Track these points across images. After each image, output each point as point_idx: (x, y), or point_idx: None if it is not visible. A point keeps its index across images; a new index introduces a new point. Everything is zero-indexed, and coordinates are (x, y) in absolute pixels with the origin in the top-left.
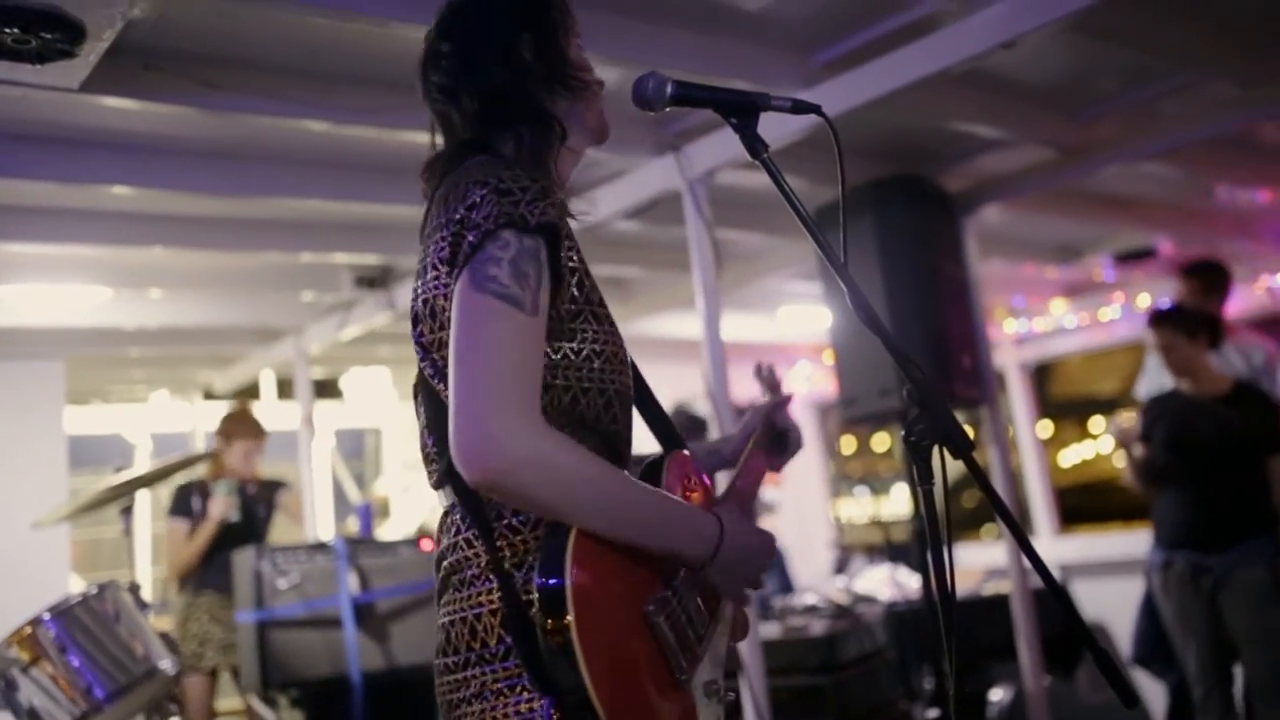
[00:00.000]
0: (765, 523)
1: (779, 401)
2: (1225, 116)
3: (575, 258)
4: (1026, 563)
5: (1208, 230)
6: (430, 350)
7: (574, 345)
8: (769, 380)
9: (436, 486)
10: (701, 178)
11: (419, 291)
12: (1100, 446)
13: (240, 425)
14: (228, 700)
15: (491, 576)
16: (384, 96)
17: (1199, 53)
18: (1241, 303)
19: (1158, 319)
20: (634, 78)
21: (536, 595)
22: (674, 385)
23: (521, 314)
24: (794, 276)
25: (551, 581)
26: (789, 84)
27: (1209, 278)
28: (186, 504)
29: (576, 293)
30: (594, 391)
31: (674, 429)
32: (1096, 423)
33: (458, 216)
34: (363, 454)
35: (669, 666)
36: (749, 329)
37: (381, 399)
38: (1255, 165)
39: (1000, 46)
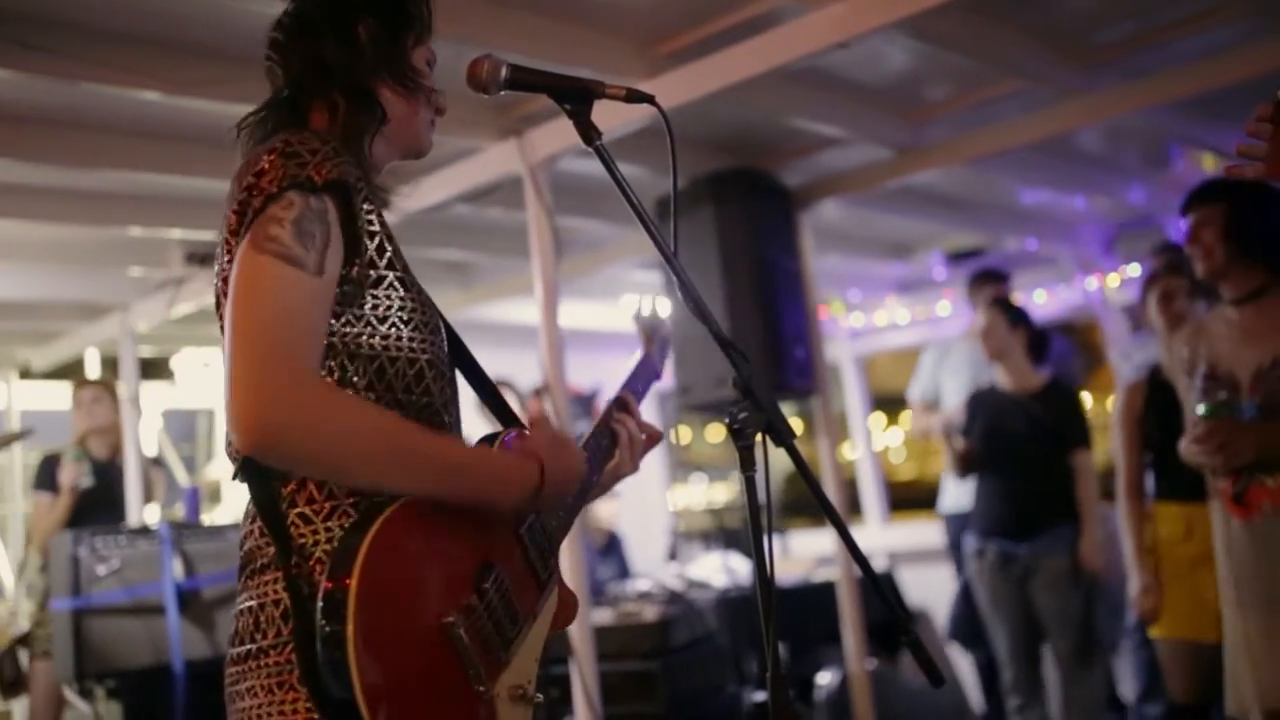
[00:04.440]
0: (607, 507)
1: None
2: (1049, 123)
3: (376, 221)
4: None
5: (1031, 232)
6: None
7: (377, 311)
8: (649, 323)
9: (234, 477)
10: (543, 163)
11: (218, 270)
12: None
13: (79, 385)
14: None
15: (278, 566)
16: (219, 69)
17: (1026, 60)
18: (1060, 302)
19: (991, 300)
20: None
21: (320, 595)
22: (514, 372)
23: (303, 274)
24: (636, 265)
25: (335, 584)
26: (633, 74)
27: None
28: (49, 476)
29: (378, 257)
30: (402, 360)
31: (507, 406)
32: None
33: (246, 184)
34: (194, 437)
35: (467, 678)
36: (590, 317)
37: (214, 380)
38: (1076, 171)
39: (836, 46)
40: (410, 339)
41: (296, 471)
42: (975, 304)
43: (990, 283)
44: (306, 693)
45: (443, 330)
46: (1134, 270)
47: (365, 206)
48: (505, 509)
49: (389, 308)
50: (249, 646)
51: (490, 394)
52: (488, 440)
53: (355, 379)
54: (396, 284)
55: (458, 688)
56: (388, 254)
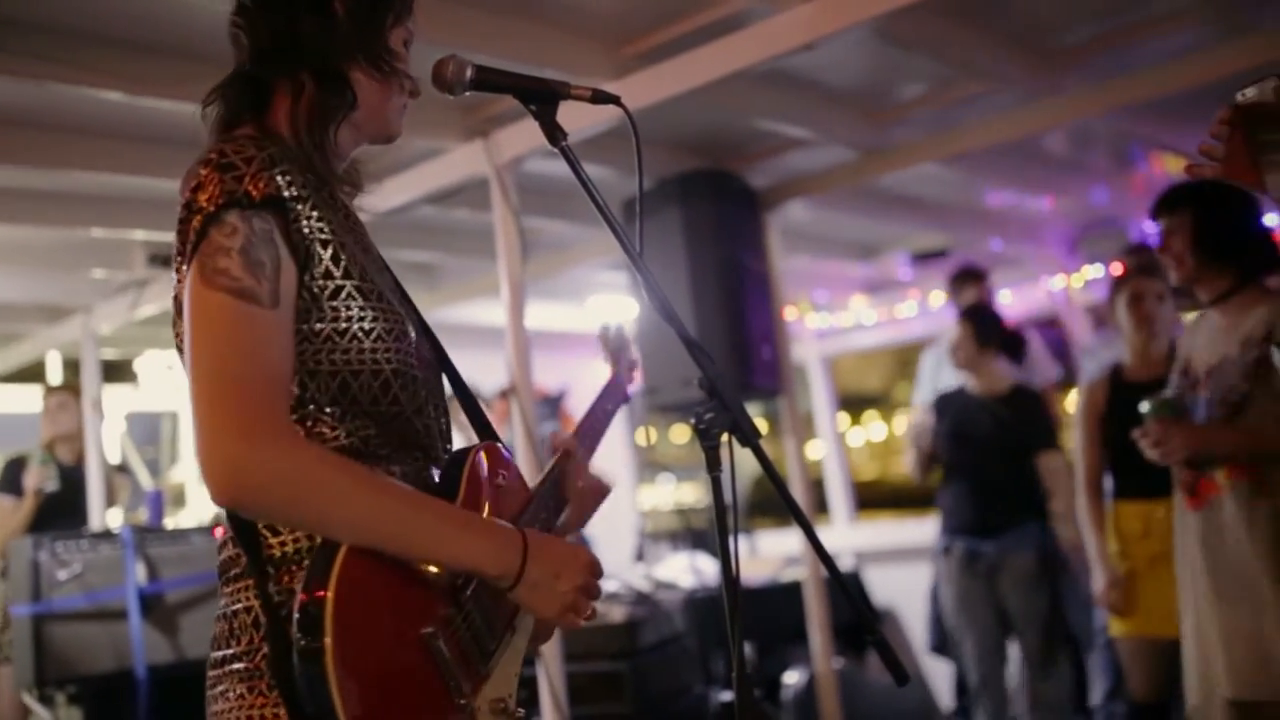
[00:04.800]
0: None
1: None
2: (1013, 125)
3: (327, 229)
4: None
5: (996, 233)
6: (183, 351)
7: (336, 325)
8: (615, 341)
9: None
10: (509, 164)
11: (173, 288)
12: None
13: (47, 391)
14: None
15: (250, 575)
16: (183, 68)
17: (991, 63)
18: (1024, 304)
19: (962, 314)
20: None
21: (296, 608)
22: (480, 373)
23: (258, 309)
24: (603, 266)
25: (312, 597)
26: (599, 75)
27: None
28: (13, 479)
29: (333, 267)
30: (366, 373)
31: (485, 418)
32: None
33: (185, 201)
34: (158, 440)
35: (448, 690)
36: (557, 318)
37: (178, 382)
38: (1041, 172)
39: (802, 48)
40: (373, 349)
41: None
42: (956, 302)
43: (970, 282)
44: (275, 697)
45: (411, 335)
46: (1097, 271)
47: (314, 215)
48: (486, 579)
49: (349, 318)
50: (224, 652)
51: (467, 400)
52: (459, 458)
53: (317, 396)
54: (355, 293)
55: (438, 700)
56: (343, 262)
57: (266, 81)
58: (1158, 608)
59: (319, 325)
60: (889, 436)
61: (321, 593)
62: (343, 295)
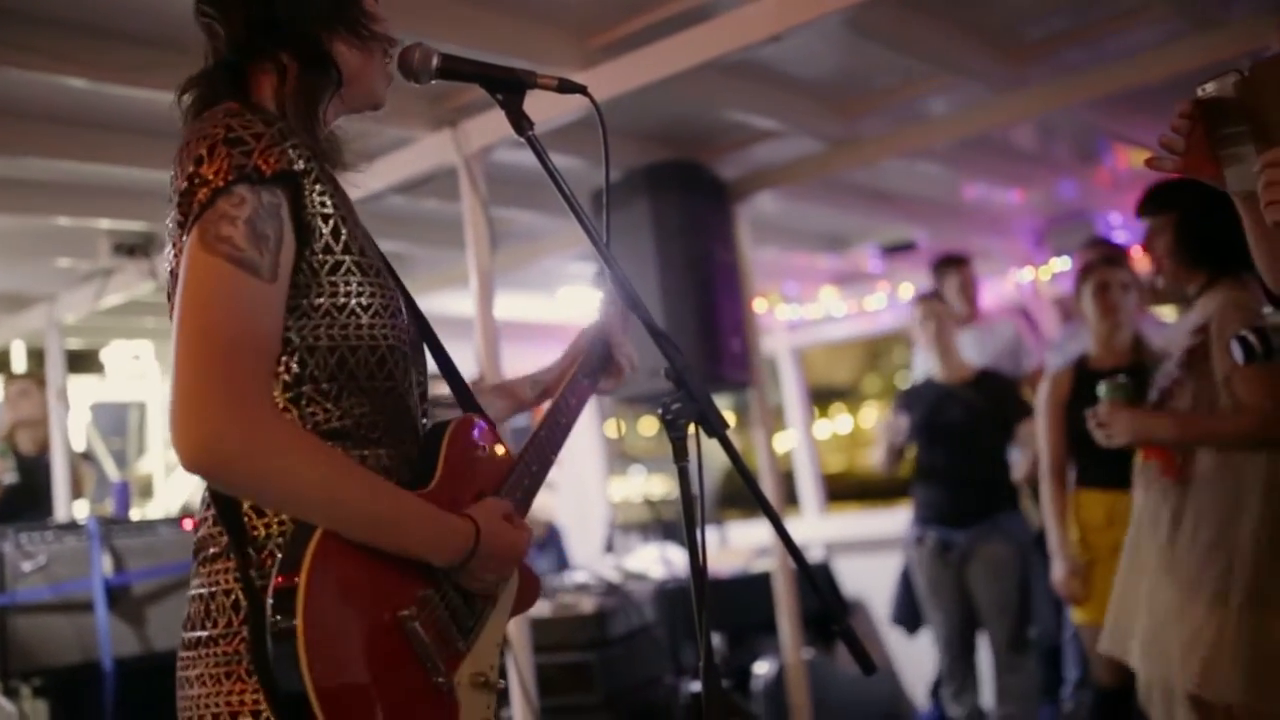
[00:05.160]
0: (545, 499)
1: (613, 317)
2: (981, 118)
3: (330, 203)
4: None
5: (964, 226)
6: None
7: (335, 300)
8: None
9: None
10: (478, 154)
11: (169, 263)
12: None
13: (8, 379)
14: None
15: (231, 556)
16: (148, 55)
17: (958, 56)
18: (992, 296)
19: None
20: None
21: (270, 592)
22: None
23: (257, 280)
24: (574, 257)
25: (286, 580)
26: (567, 65)
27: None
28: None
29: (333, 242)
30: (363, 349)
31: (467, 388)
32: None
33: (188, 174)
34: (125, 430)
35: (425, 671)
36: (527, 309)
37: (145, 372)
38: (1009, 166)
39: (770, 40)
40: (370, 325)
41: (232, 495)
42: (942, 289)
43: (954, 267)
44: (254, 683)
45: (403, 312)
46: (1064, 264)
47: (318, 189)
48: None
49: (347, 294)
50: (200, 634)
51: (452, 375)
52: (437, 432)
53: (315, 373)
54: (354, 268)
55: (414, 679)
56: (343, 237)
57: (244, 67)
58: None
59: (318, 300)
60: (855, 429)
61: (295, 576)
62: (342, 270)
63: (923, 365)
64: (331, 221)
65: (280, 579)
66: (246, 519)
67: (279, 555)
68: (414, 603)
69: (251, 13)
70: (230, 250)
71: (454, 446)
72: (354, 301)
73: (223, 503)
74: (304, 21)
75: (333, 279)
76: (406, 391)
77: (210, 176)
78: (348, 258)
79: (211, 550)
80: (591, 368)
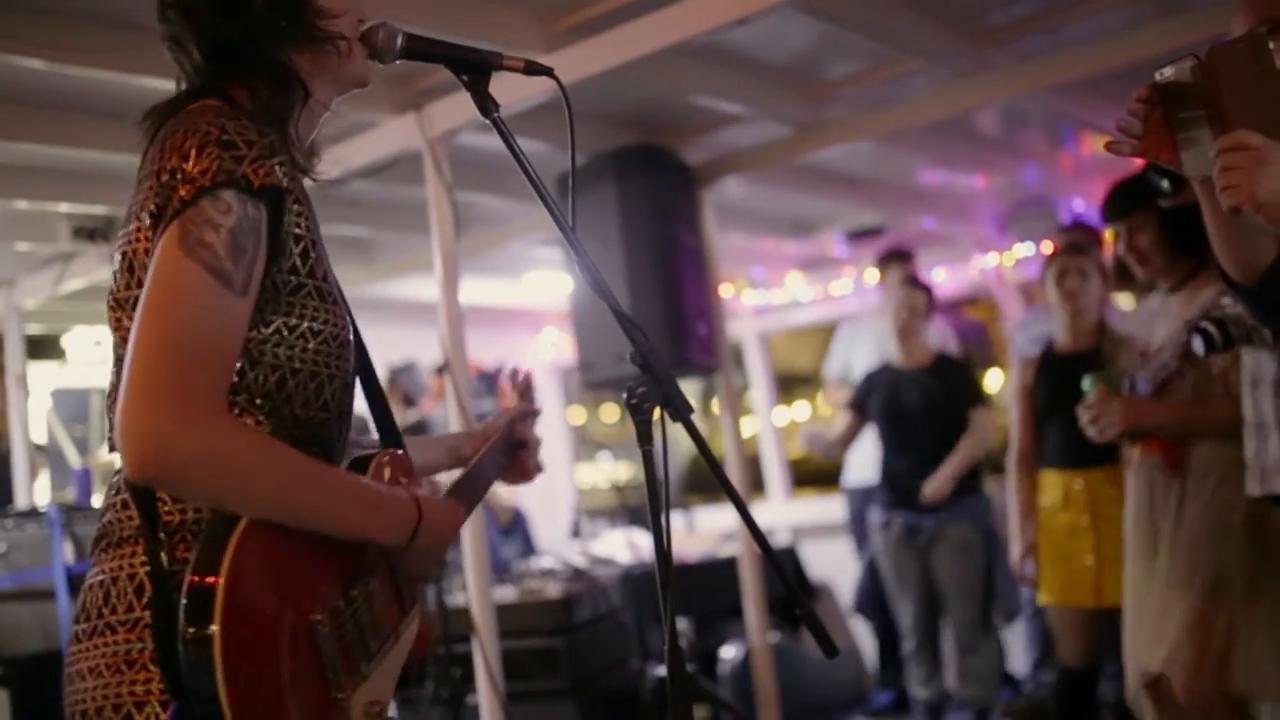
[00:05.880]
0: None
1: (525, 412)
2: (946, 104)
3: (303, 224)
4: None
5: (929, 211)
6: (123, 307)
7: (289, 321)
8: (523, 387)
9: (111, 449)
10: (442, 138)
11: (120, 243)
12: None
13: None
14: None
15: (139, 540)
16: (108, 36)
17: (923, 40)
18: (956, 282)
19: (914, 281)
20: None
21: (185, 592)
22: (416, 350)
23: (230, 293)
24: (540, 242)
25: (203, 581)
26: (532, 48)
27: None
28: None
29: (300, 263)
30: (304, 374)
31: (394, 425)
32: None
33: (171, 166)
34: (87, 417)
35: (326, 684)
36: (493, 294)
37: (107, 358)
38: (973, 151)
39: (735, 23)
40: (316, 353)
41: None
42: (883, 282)
43: (897, 261)
44: (159, 674)
45: (352, 343)
46: (1027, 249)
47: (295, 209)
48: (385, 547)
49: (301, 316)
50: (94, 623)
51: (379, 405)
52: (359, 464)
53: (252, 386)
54: (314, 293)
55: (317, 691)
56: (310, 261)
57: (216, 89)
58: (1073, 578)
59: (272, 317)
60: (814, 415)
61: (213, 577)
62: (302, 293)
63: (841, 346)
64: (302, 244)
65: (196, 579)
66: (161, 503)
67: (195, 549)
68: (327, 612)
69: (205, 45)
70: (210, 258)
71: (376, 479)
72: (306, 325)
73: (138, 486)
74: (256, 42)
75: (291, 300)
76: (337, 420)
77: (196, 174)
78: (310, 282)
79: (120, 534)
80: (504, 452)
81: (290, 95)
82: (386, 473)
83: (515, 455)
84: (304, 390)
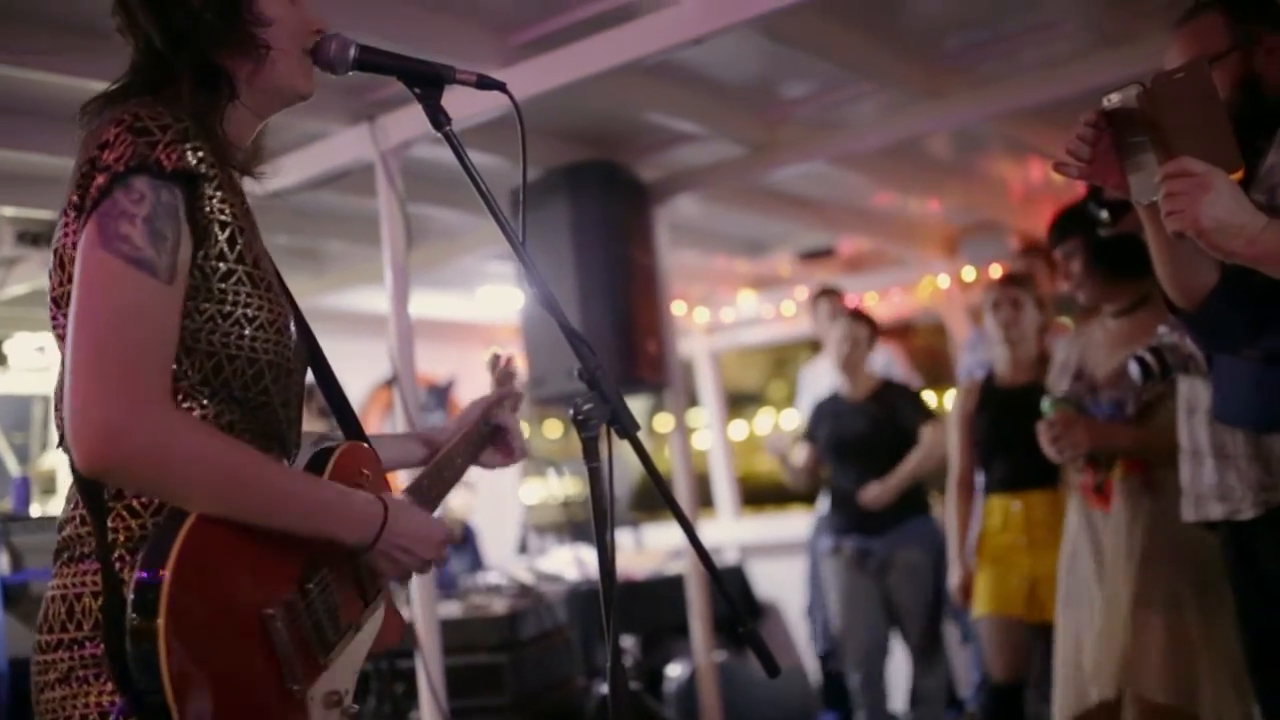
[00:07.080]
0: (461, 500)
1: (505, 395)
2: (898, 127)
3: (229, 211)
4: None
5: (879, 233)
6: (59, 305)
7: (222, 308)
8: (503, 374)
9: (60, 442)
10: (395, 150)
11: (55, 246)
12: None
13: None
14: None
15: (97, 558)
16: (56, 39)
17: (876, 64)
18: (907, 304)
19: (856, 313)
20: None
21: (132, 588)
22: (365, 363)
23: (155, 281)
24: (492, 256)
25: (148, 576)
26: (487, 63)
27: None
28: None
29: (228, 249)
30: (242, 360)
31: (354, 417)
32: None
33: (90, 156)
34: (29, 424)
35: (280, 676)
36: (446, 307)
37: (50, 365)
38: (925, 175)
39: (690, 43)
40: (253, 338)
41: (131, 493)
42: (814, 317)
43: (826, 297)
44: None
45: (291, 329)
46: (973, 274)
47: (218, 195)
48: (346, 547)
49: (234, 303)
50: (60, 636)
51: (337, 397)
52: (324, 454)
53: (190, 373)
54: (245, 279)
55: (270, 684)
56: (238, 246)
57: (149, 86)
58: (1006, 590)
59: (204, 305)
60: (750, 435)
61: (160, 570)
62: (233, 280)
63: (806, 401)
64: (229, 230)
65: (143, 574)
66: (119, 519)
67: (144, 547)
68: (280, 605)
69: (141, 43)
70: (129, 250)
71: (340, 472)
72: (240, 311)
73: (92, 501)
74: (186, 43)
75: (222, 286)
76: (282, 406)
77: (110, 162)
78: (240, 268)
79: (79, 550)
80: (480, 440)
81: (215, 94)
82: (347, 466)
83: (496, 439)
84: (241, 375)
